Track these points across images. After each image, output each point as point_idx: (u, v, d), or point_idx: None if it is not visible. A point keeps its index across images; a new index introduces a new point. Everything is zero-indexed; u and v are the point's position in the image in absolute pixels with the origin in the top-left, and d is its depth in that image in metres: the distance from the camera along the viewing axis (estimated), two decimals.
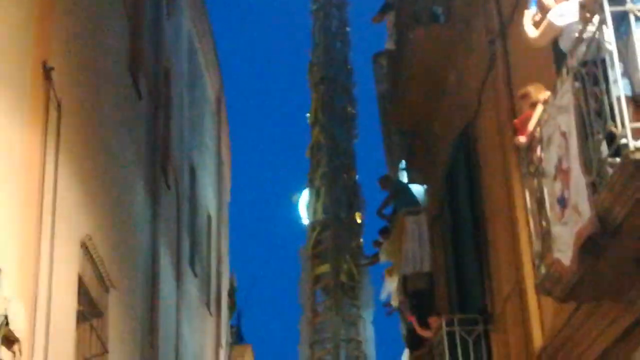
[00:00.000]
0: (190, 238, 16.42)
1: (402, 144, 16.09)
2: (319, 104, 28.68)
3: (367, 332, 26.94)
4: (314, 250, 27.82)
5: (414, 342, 13.56)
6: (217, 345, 19.01)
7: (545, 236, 7.06)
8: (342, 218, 28.03)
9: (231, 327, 21.94)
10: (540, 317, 9.23)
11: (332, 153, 28.28)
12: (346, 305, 27.02)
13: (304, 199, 28.57)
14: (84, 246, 8.81)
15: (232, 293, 20.27)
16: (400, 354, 16.32)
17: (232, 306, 20.45)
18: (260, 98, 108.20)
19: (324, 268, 27.27)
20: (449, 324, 10.78)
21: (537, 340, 9.22)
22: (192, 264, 16.28)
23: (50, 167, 7.73)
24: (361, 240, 27.78)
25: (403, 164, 16.75)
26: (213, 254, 19.33)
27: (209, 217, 18.88)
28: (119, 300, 10.15)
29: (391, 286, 15.95)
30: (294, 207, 29.30)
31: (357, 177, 29.04)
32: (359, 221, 28.36)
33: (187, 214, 16.15)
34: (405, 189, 15.63)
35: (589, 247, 6.14)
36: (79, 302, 8.70)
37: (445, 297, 12.81)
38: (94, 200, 9.53)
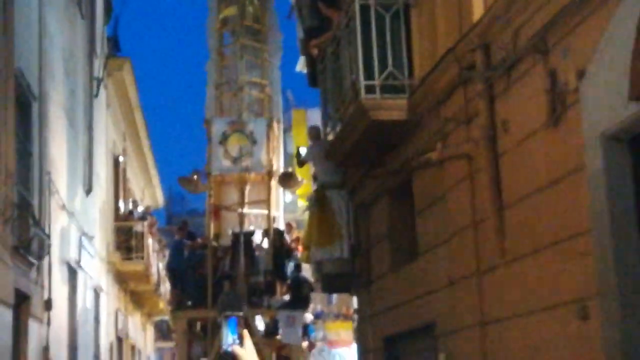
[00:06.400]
0: None
1: None
2: None
3: (274, 76, 25.36)
4: None
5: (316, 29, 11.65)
6: (91, 52, 16.71)
7: None
8: None
9: (108, 38, 19.56)
10: None
11: None
12: (253, 48, 25.19)
13: None
14: None
15: None
16: None
17: (107, 11, 17.87)
18: None
19: (230, 10, 25.07)
20: None
21: (478, 6, 7.25)
22: None
23: None
24: None
25: None
26: None
27: None
28: None
29: None
30: None
31: None
32: None
33: None
34: None
35: None
36: None
37: None
38: None
